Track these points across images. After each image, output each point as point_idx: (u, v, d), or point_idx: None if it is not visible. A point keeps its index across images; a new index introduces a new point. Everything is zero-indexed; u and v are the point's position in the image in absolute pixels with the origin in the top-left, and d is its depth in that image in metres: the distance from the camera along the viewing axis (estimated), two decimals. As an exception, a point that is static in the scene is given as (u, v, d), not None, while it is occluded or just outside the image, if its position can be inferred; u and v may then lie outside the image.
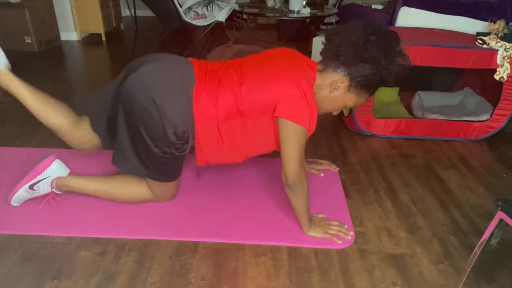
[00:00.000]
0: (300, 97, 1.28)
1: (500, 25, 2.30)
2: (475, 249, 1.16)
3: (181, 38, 4.14)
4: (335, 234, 1.46)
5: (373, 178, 1.87)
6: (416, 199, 1.73)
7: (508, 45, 2.03)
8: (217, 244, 1.42)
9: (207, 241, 1.43)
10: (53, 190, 1.54)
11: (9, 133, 2.14)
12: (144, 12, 4.65)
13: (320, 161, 1.94)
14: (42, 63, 3.41)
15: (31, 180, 1.50)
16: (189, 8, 3.90)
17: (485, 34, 2.24)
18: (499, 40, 2.09)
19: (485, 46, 2.06)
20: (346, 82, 1.33)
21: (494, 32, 2.29)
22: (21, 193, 1.51)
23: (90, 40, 4.21)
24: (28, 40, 3.65)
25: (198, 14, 3.86)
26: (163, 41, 3.92)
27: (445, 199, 1.74)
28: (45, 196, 1.55)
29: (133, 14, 3.69)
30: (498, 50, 2.03)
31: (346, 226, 1.52)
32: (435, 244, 1.47)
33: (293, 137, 1.30)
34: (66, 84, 2.96)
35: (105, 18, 4.23)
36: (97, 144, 1.57)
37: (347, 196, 1.73)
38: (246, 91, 1.33)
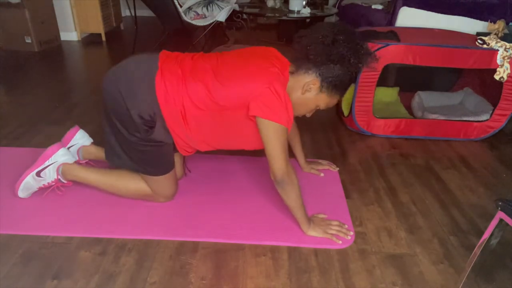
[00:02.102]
0: (272, 96, 1.30)
1: (500, 25, 2.30)
2: (475, 249, 1.16)
3: (181, 38, 4.14)
4: (335, 234, 1.46)
5: (373, 178, 1.87)
6: (416, 199, 1.73)
7: (508, 45, 2.03)
8: (217, 244, 1.42)
9: (207, 241, 1.43)
10: (59, 177, 1.57)
11: (9, 133, 2.14)
12: (144, 12, 4.65)
13: (320, 161, 1.94)
14: (42, 63, 3.40)
15: (38, 167, 1.54)
16: (189, 8, 3.90)
17: (485, 34, 2.24)
18: (499, 40, 2.09)
19: (485, 46, 2.06)
20: (318, 83, 1.35)
21: (494, 32, 2.29)
22: (28, 180, 1.54)
23: (90, 40, 4.21)
24: (28, 40, 3.65)
25: (198, 14, 3.86)
26: (163, 41, 3.92)
27: (445, 199, 1.74)
28: (50, 185, 1.58)
29: (133, 14, 3.69)
30: (498, 50, 2.03)
31: (346, 226, 1.52)
32: (435, 244, 1.47)
33: (272, 135, 1.32)
34: (66, 84, 2.96)
35: (105, 18, 4.23)
36: (180, 176, 1.70)
37: (347, 196, 1.73)
38: (218, 85, 1.34)
